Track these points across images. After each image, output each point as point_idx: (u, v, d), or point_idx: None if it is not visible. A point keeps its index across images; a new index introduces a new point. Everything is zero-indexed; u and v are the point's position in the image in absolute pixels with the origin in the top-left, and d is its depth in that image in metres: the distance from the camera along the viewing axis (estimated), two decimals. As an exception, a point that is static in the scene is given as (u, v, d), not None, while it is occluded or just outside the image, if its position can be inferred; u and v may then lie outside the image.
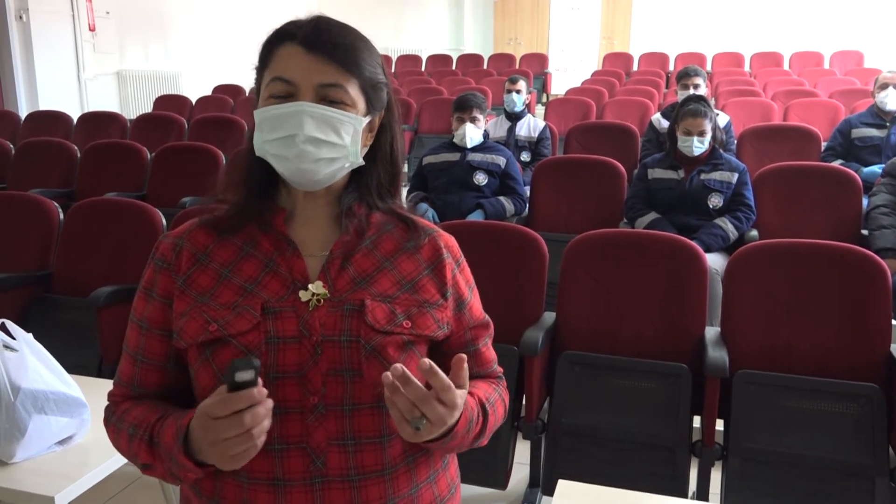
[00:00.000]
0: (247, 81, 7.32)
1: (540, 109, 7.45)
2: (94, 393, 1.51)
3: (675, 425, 2.09)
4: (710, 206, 3.21)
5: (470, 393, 0.94)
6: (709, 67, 8.21)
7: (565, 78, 9.45)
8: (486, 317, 1.08)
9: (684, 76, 4.57)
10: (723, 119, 4.40)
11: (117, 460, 1.48)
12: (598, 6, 10.47)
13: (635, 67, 8.72)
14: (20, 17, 6.68)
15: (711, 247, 3.08)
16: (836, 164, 3.92)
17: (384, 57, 1.00)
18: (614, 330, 2.30)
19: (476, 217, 3.52)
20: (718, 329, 2.26)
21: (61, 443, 1.51)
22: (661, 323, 2.27)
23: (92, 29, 7.27)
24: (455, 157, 3.71)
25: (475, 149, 3.71)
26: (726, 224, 3.16)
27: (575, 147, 4.51)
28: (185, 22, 8.38)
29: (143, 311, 0.97)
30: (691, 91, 4.35)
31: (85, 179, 4.19)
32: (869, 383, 2.00)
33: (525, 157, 4.57)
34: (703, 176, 3.26)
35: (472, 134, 3.69)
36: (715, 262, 2.89)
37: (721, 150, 3.37)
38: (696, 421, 2.16)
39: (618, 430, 2.13)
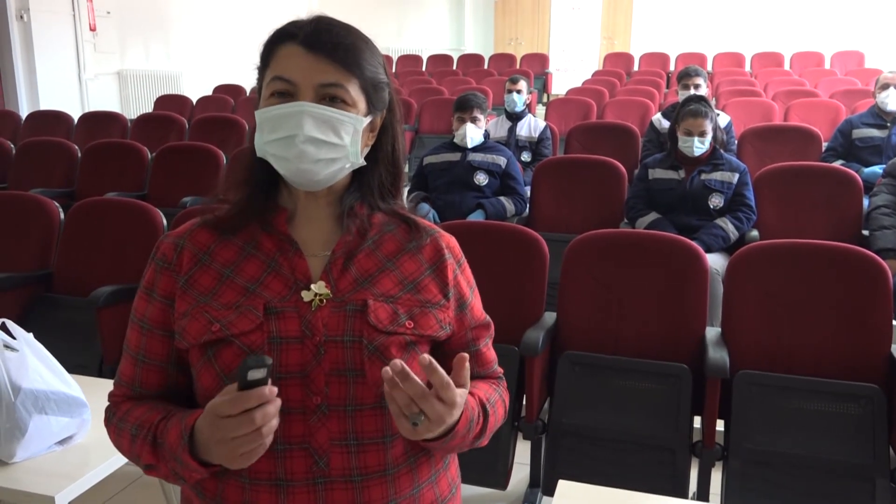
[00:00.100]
0: (247, 81, 7.33)
1: (540, 109, 7.45)
2: (95, 393, 1.51)
3: (675, 426, 2.09)
4: (711, 207, 3.21)
5: (470, 393, 0.94)
6: (709, 67, 8.21)
7: (566, 78, 9.46)
8: (487, 317, 1.08)
9: (685, 76, 4.57)
10: (723, 119, 4.40)
11: (117, 460, 1.48)
12: (599, 6, 10.46)
13: (636, 67, 8.72)
14: (21, 17, 6.68)
15: (712, 247, 3.08)
16: (837, 164, 3.92)
17: (385, 57, 1.00)
18: (615, 330, 2.30)
19: (477, 217, 3.53)
20: (719, 329, 2.26)
21: (61, 443, 1.51)
22: (662, 323, 2.27)
23: (93, 29, 7.28)
24: (456, 157, 3.71)
25: (476, 149, 3.71)
26: (727, 224, 3.16)
27: (575, 147, 4.51)
28: (186, 22, 8.38)
29: (143, 312, 0.97)
30: (692, 91, 4.35)
31: (85, 179, 4.19)
32: (869, 384, 2.00)
33: (526, 157, 4.57)
34: (703, 176, 3.26)
35: (472, 134, 3.69)
36: (715, 262, 2.89)
37: (722, 151, 3.37)
38: (697, 421, 2.16)
39: (618, 431, 2.13)
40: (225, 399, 0.80)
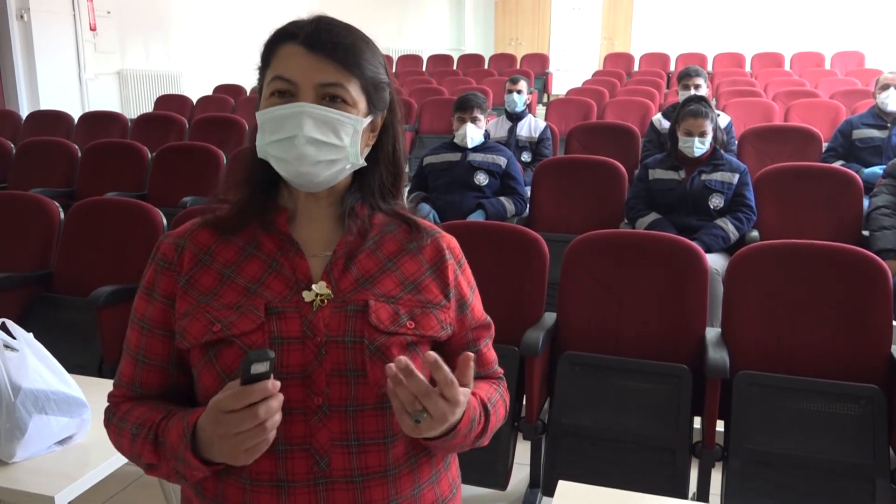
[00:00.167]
0: (247, 81, 7.34)
1: (541, 110, 7.45)
2: (95, 393, 1.51)
3: (675, 426, 2.09)
4: (711, 207, 3.21)
5: (472, 393, 0.94)
6: (710, 68, 8.21)
7: (566, 78, 9.46)
8: (488, 318, 1.08)
9: (685, 76, 4.57)
10: (724, 120, 4.40)
11: (117, 460, 1.48)
12: (599, 6, 10.47)
13: (636, 68, 8.73)
14: (21, 17, 6.68)
15: (712, 247, 3.08)
16: (837, 164, 3.92)
17: (385, 57, 1.00)
18: (615, 330, 2.30)
19: (477, 217, 3.52)
20: (719, 330, 2.26)
21: (61, 442, 1.51)
22: (662, 323, 2.27)
23: (93, 28, 7.28)
24: (456, 157, 3.71)
25: (476, 149, 3.71)
26: (727, 225, 3.16)
27: (576, 147, 4.51)
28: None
29: (144, 312, 0.97)
30: (692, 91, 4.35)
31: (85, 179, 4.19)
32: (869, 384, 2.00)
33: (526, 157, 4.57)
34: (703, 176, 3.26)
35: (472, 134, 3.69)
36: (715, 262, 2.89)
37: (722, 151, 3.37)
38: (697, 422, 2.16)
39: (618, 431, 2.13)
40: (228, 394, 0.80)
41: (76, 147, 4.43)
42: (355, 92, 0.93)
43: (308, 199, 0.98)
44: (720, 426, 2.13)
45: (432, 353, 0.83)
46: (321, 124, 0.91)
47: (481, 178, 3.64)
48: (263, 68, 0.95)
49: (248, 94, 7.09)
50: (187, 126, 5.32)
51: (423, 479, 0.97)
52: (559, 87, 9.12)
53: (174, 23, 8.27)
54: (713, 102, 4.36)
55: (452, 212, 3.56)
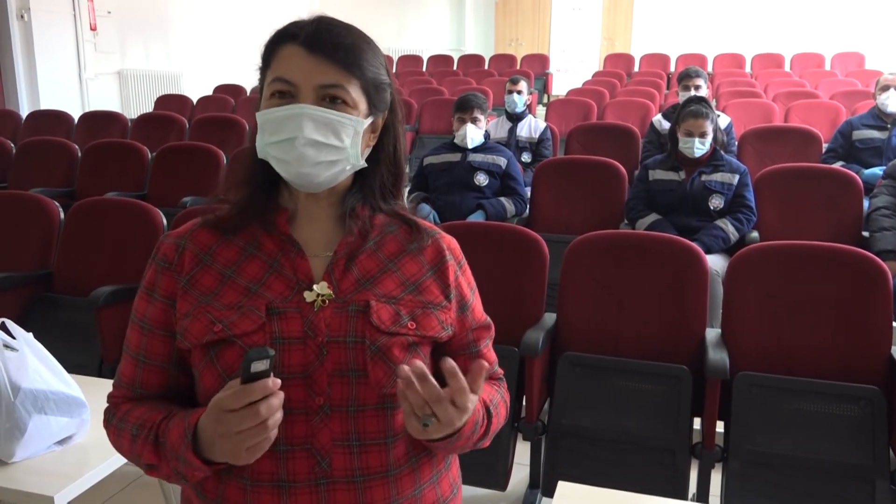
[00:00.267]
0: (248, 81, 7.33)
1: (541, 110, 7.45)
2: (94, 393, 1.51)
3: (675, 427, 2.09)
4: (711, 208, 3.21)
5: None
6: (710, 68, 8.21)
7: (566, 79, 9.46)
8: (488, 318, 1.08)
9: (685, 77, 4.58)
10: (724, 120, 4.40)
11: (117, 460, 1.47)
12: (600, 7, 10.47)
13: (636, 68, 8.72)
14: (21, 17, 6.68)
15: (712, 248, 3.08)
16: (837, 165, 3.92)
17: (386, 57, 1.00)
18: (615, 331, 2.30)
19: (477, 218, 3.52)
20: (719, 331, 2.26)
21: (61, 442, 1.51)
22: (662, 324, 2.27)
23: (93, 28, 7.28)
24: (456, 157, 3.71)
25: (476, 149, 3.71)
26: (727, 225, 3.16)
27: (576, 148, 4.51)
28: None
29: (144, 312, 0.97)
30: (692, 92, 4.35)
31: (86, 179, 4.19)
32: (869, 385, 2.00)
33: (526, 157, 4.57)
34: (703, 177, 3.26)
35: (472, 134, 3.69)
36: (715, 263, 2.89)
37: (722, 152, 3.37)
38: (697, 423, 2.16)
39: (618, 432, 2.13)
40: (229, 393, 0.80)
41: (76, 147, 4.43)
42: (356, 93, 0.92)
43: (308, 199, 0.98)
44: (720, 427, 2.13)
45: (451, 363, 0.83)
46: (321, 126, 0.90)
47: (481, 179, 3.64)
48: (264, 69, 0.95)
49: (248, 94, 7.09)
50: (187, 126, 5.32)
51: (424, 479, 0.97)
52: (559, 88, 9.11)
53: (174, 23, 8.27)
54: (713, 103, 4.36)
55: (452, 212, 3.56)
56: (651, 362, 2.20)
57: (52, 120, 5.70)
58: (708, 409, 2.10)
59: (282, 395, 0.81)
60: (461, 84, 7.31)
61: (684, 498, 2.05)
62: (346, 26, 0.95)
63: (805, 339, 2.13)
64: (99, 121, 5.65)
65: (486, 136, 3.79)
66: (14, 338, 1.51)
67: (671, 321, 2.27)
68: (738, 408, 2.06)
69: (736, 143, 4.33)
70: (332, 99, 0.91)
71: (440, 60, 9.38)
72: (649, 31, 10.12)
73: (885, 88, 4.10)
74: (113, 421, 0.96)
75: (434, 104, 6.15)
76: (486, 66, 8.99)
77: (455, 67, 9.14)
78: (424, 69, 9.18)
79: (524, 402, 2.27)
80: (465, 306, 1.03)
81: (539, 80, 8.55)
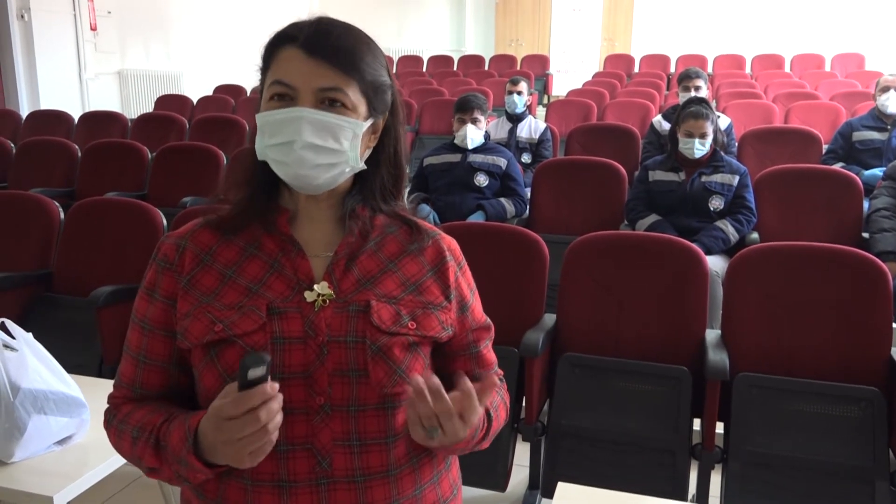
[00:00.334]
0: (248, 81, 7.33)
1: (541, 111, 7.44)
2: (94, 393, 1.51)
3: (675, 428, 2.09)
4: (711, 209, 3.21)
5: None
6: (710, 69, 8.20)
7: (566, 79, 9.47)
8: (487, 319, 1.08)
9: (685, 78, 4.58)
10: (724, 121, 4.40)
11: (116, 460, 1.47)
12: (600, 7, 10.47)
13: (636, 69, 8.72)
14: (22, 17, 6.68)
15: (712, 249, 3.08)
16: (837, 166, 3.92)
17: (386, 58, 1.00)
18: (615, 332, 2.30)
19: (477, 218, 3.52)
20: (719, 332, 2.26)
21: (60, 442, 1.51)
22: (662, 325, 2.27)
23: (93, 28, 7.28)
24: (456, 158, 3.71)
25: (476, 150, 3.71)
26: (727, 226, 3.16)
27: (576, 149, 4.51)
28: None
29: (145, 312, 0.97)
30: (692, 93, 4.35)
31: (86, 179, 4.19)
32: (869, 386, 2.00)
33: (526, 158, 4.57)
34: (703, 178, 3.26)
35: (473, 135, 3.69)
36: (715, 264, 2.89)
37: (722, 153, 3.37)
38: (697, 424, 2.16)
39: (618, 433, 2.13)
40: (227, 401, 0.80)
41: (76, 147, 4.43)
42: (355, 96, 0.92)
43: (309, 200, 0.98)
44: (720, 428, 2.13)
45: (468, 384, 0.85)
46: (320, 129, 0.90)
47: (481, 180, 3.64)
48: (264, 70, 0.95)
49: (248, 94, 7.09)
50: (187, 126, 5.32)
51: (425, 479, 0.97)
52: (559, 89, 9.11)
53: (174, 23, 8.27)
54: (713, 104, 4.35)
55: (452, 213, 3.56)
56: (651, 363, 2.20)
57: (52, 120, 5.70)
58: (708, 409, 2.10)
59: (281, 398, 0.82)
60: (461, 85, 7.31)
61: (684, 499, 2.05)
62: (346, 27, 0.94)
63: (805, 340, 2.13)
64: (99, 121, 5.65)
65: (487, 136, 3.80)
66: (14, 338, 1.51)
67: (671, 322, 2.27)
68: (737, 409, 2.06)
69: (736, 143, 4.33)
70: (331, 102, 0.91)
71: (440, 61, 9.38)
72: (649, 32, 10.12)
73: (885, 89, 4.10)
74: (113, 422, 0.96)
75: (434, 105, 6.15)
76: (487, 67, 8.99)
77: (455, 68, 9.14)
78: (424, 70, 9.17)
79: (524, 403, 2.27)
80: (465, 307, 1.03)
81: (539, 81, 8.55)
